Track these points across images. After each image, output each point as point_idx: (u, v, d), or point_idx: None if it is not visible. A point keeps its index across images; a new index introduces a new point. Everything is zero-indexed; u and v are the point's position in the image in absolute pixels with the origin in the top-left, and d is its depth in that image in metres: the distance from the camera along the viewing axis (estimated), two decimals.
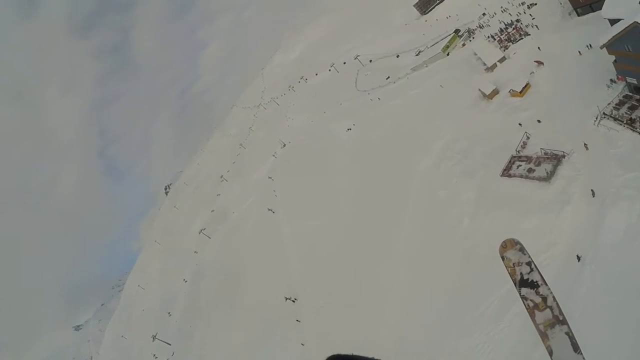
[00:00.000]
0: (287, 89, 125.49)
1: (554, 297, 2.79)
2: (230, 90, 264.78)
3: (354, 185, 47.67)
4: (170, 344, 60.19)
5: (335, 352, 1.75)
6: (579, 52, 35.78)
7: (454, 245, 28.71)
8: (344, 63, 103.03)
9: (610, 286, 19.57)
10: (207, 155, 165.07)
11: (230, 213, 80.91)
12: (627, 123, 25.60)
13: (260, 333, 41.63)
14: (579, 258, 22.02)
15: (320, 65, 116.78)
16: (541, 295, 2.79)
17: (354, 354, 1.79)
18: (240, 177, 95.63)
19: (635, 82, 26.91)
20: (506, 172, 29.97)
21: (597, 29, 35.15)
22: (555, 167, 26.88)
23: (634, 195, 21.75)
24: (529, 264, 2.82)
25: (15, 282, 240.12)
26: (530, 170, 28.29)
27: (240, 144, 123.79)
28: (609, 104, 27.84)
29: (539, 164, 28.07)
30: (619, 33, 24.37)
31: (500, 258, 2.88)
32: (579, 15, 41.59)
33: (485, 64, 46.84)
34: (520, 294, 2.83)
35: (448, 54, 63.77)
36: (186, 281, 74.14)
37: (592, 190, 23.92)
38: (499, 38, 52.10)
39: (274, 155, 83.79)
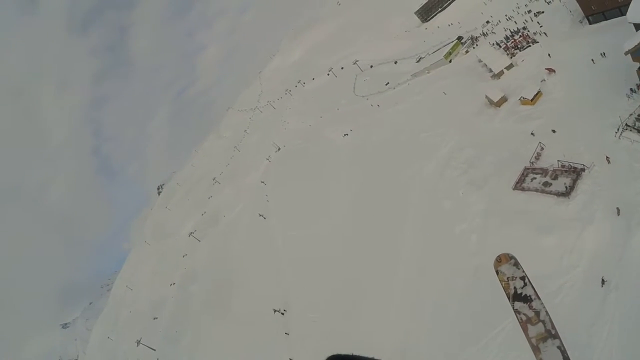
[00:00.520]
0: (284, 92, 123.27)
1: (546, 312, 2.85)
2: (227, 92, 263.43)
3: (350, 192, 45.16)
4: (154, 350, 57.02)
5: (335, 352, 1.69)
6: (592, 60, 34.21)
7: (462, 263, 26.15)
8: (342, 68, 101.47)
9: (637, 313, 17.83)
10: (201, 157, 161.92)
11: (221, 217, 78.01)
12: None
13: (248, 343, 38.88)
14: (603, 282, 19.97)
15: (318, 70, 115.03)
16: (534, 309, 2.86)
17: (354, 354, 1.76)
18: (233, 180, 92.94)
19: None
20: (519, 185, 27.55)
21: (611, 37, 33.84)
22: (574, 181, 24.59)
23: None
24: (522, 278, 2.92)
25: (4, 280, 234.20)
26: (546, 184, 25.99)
27: (235, 147, 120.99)
28: (630, 114, 25.85)
29: (555, 178, 25.76)
30: None
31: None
32: (590, 23, 40.26)
33: (491, 71, 44.96)
34: (513, 307, 2.92)
35: (450, 61, 62.13)
36: (174, 284, 70.64)
37: (617, 208, 21.74)
38: (505, 45, 50.18)
39: (268, 159, 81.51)
